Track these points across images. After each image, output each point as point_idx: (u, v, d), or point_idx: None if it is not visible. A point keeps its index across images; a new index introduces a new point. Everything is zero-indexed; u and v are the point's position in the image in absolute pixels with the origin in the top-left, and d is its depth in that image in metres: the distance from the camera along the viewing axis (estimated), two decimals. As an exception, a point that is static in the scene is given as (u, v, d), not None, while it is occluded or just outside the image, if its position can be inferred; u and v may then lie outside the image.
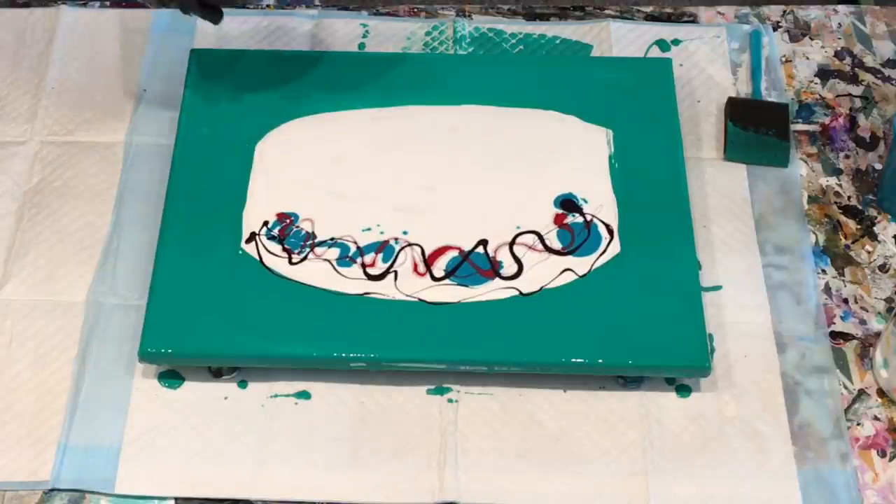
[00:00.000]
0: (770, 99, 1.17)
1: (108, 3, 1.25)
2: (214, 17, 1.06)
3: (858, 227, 1.10)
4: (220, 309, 0.99)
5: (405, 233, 1.04)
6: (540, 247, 1.03)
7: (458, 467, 0.95)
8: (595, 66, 1.17)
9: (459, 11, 1.24)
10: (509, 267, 1.02)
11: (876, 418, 0.99)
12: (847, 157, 1.14)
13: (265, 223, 1.04)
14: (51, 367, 1.00)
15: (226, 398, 0.99)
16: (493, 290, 1.00)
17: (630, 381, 0.99)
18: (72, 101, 1.17)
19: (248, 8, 1.24)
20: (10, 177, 1.12)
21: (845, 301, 1.05)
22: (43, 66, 1.19)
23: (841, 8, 1.25)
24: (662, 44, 1.21)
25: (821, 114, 1.17)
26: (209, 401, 0.99)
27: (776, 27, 1.23)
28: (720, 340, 1.02)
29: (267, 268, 1.02)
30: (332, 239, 1.03)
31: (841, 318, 1.04)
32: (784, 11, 1.25)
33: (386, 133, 1.10)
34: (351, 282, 1.01)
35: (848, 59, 1.21)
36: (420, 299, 1.00)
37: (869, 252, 1.08)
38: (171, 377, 1.00)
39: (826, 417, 0.98)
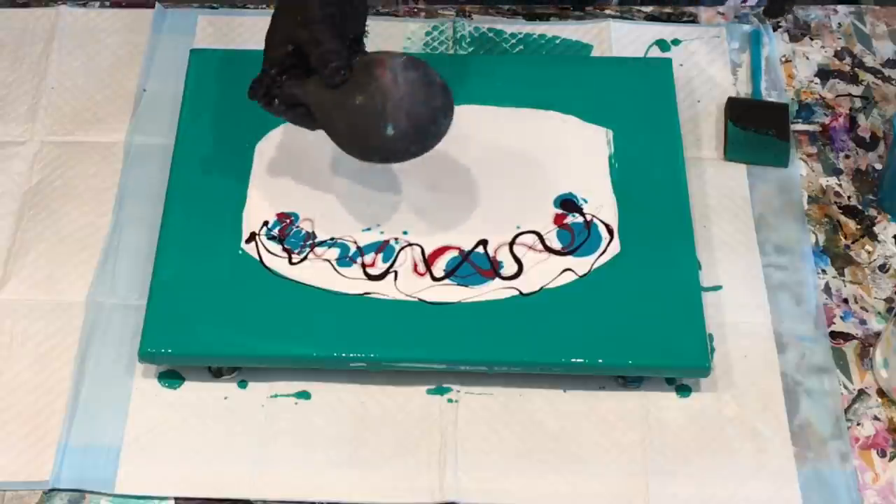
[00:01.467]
0: (770, 99, 1.17)
1: (108, 3, 1.25)
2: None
3: (858, 227, 1.10)
4: (220, 309, 0.99)
5: (405, 233, 1.04)
6: (540, 247, 1.03)
7: (458, 467, 0.95)
8: (595, 66, 1.17)
9: (459, 11, 1.24)
10: (509, 267, 1.02)
11: (876, 418, 0.99)
12: (847, 157, 1.14)
13: (265, 223, 1.04)
14: (51, 367, 1.00)
15: (226, 398, 0.99)
16: (493, 290, 1.00)
17: (630, 381, 0.99)
18: (72, 101, 1.17)
19: (248, 8, 1.24)
20: (10, 177, 1.12)
21: (845, 301, 1.05)
22: (43, 66, 1.19)
23: (841, 8, 1.25)
24: (662, 44, 1.21)
25: (821, 114, 1.17)
26: (209, 401, 0.99)
27: (776, 27, 1.23)
28: (720, 340, 1.02)
29: (267, 268, 1.02)
30: (332, 239, 1.03)
31: (841, 318, 1.04)
32: (784, 18, 1.25)
33: (386, 133, 1.10)
34: (351, 282, 1.01)
35: (848, 59, 1.21)
36: (420, 299, 1.00)
37: (869, 252, 1.08)
38: (171, 377, 1.00)
39: (826, 417, 0.98)
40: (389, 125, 0.92)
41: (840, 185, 1.12)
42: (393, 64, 0.93)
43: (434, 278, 1.01)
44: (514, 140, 1.10)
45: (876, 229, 1.09)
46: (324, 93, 0.94)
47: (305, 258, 1.02)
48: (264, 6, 1.25)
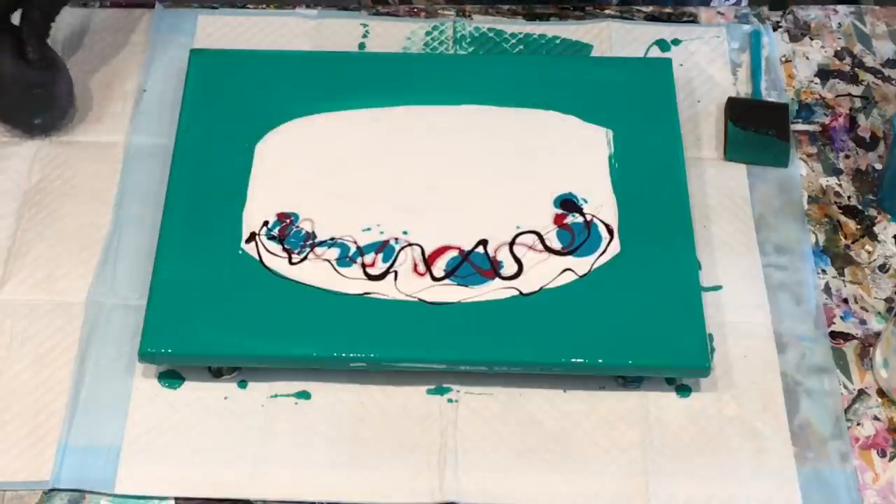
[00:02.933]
0: (770, 99, 1.17)
1: (108, 3, 1.25)
2: None
3: (858, 227, 1.10)
4: (220, 309, 0.99)
5: (405, 233, 1.04)
6: (540, 247, 1.03)
7: (458, 467, 0.95)
8: (595, 66, 1.17)
9: (459, 11, 1.24)
10: (509, 267, 1.02)
11: (876, 418, 0.99)
12: (847, 157, 1.14)
13: (265, 223, 1.04)
14: (51, 367, 1.00)
15: (226, 398, 0.99)
16: (493, 290, 1.00)
17: (630, 381, 1.00)
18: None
19: (248, 8, 1.24)
20: (9, 177, 1.12)
21: (845, 301, 1.05)
22: (43, 66, 1.19)
23: (841, 8, 1.25)
24: (662, 44, 1.21)
25: (821, 114, 1.17)
26: (209, 401, 0.99)
27: (776, 27, 1.23)
28: (720, 340, 1.02)
29: (267, 268, 1.02)
30: (332, 239, 1.03)
31: (841, 318, 1.04)
32: (784, 11, 1.25)
33: (386, 133, 1.10)
34: (351, 282, 1.01)
35: (848, 59, 1.21)
36: (420, 299, 1.00)
37: (869, 252, 1.08)
38: (171, 377, 1.00)
39: (826, 417, 0.98)
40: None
41: (840, 185, 1.12)
42: None
43: (434, 278, 1.01)
44: (514, 140, 1.10)
45: (876, 229, 1.09)
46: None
47: (305, 258, 1.02)
48: (264, 6, 1.25)
